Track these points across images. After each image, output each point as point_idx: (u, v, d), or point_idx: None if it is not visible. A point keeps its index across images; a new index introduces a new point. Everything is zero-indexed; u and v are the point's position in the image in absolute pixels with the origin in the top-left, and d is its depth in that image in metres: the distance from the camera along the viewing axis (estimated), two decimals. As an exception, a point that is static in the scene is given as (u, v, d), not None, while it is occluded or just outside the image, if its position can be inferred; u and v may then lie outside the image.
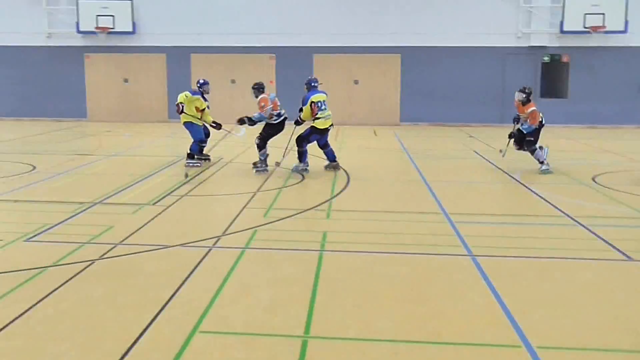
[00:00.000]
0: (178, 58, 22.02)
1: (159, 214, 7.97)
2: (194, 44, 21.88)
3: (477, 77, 21.20)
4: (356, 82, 21.67)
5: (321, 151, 11.70)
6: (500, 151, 12.22)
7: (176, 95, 20.46)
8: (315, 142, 11.41)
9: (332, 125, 11.61)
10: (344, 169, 11.46)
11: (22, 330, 4.37)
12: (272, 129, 11.55)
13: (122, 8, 21.48)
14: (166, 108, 22.16)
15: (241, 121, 11.66)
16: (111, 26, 21.49)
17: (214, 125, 12.22)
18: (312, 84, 11.41)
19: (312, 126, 11.29)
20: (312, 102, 11.12)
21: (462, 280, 5.52)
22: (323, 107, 11.29)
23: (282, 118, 11.53)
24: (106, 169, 11.69)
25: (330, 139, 16.08)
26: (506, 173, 11.34)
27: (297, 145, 11.26)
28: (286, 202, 8.84)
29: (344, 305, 4.88)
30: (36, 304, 4.83)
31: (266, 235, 7.01)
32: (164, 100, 22.13)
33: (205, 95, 12.10)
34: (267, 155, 11.49)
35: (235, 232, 7.07)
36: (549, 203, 8.77)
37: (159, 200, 8.74)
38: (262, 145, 11.46)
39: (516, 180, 10.70)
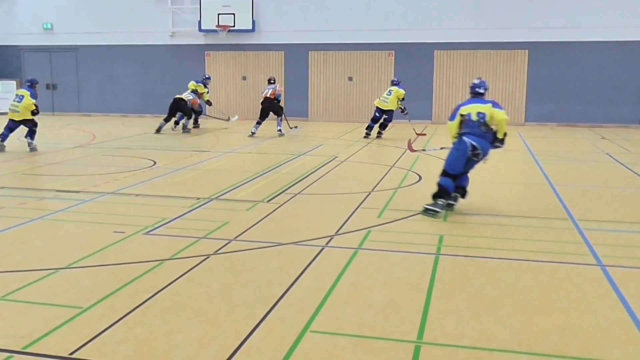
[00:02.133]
0: (296, 55, 22.37)
1: (273, 211, 8.10)
2: (312, 42, 22.15)
3: (612, 74, 20.17)
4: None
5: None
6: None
7: (294, 92, 20.93)
8: None
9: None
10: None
11: (140, 320, 4.56)
12: None
13: (242, 6, 22.07)
14: (284, 105, 22.54)
15: None
16: (232, 24, 22.13)
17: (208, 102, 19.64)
18: None
19: None
20: None
21: (590, 292, 5.26)
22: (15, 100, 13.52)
23: None
24: (222, 166, 12.04)
25: (450, 138, 15.89)
26: (641, 178, 10.79)
27: None
28: (402, 203, 8.77)
29: (460, 311, 4.77)
30: (154, 295, 5.02)
31: (380, 236, 6.97)
32: (282, 97, 22.53)
33: (207, 86, 19.42)
34: None
35: (348, 232, 7.08)
36: (689, 211, 8.26)
37: (273, 198, 8.90)
38: None
39: (652, 185, 10.15)
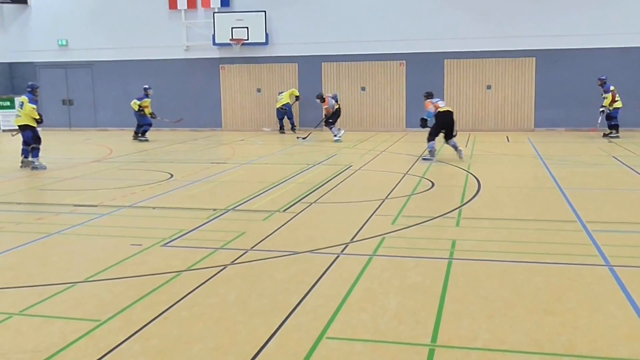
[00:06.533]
0: (309, 67, 22.44)
1: (289, 220, 8.14)
2: (325, 53, 22.22)
3: (617, 79, 20.02)
4: (488, 87, 21.19)
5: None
6: None
7: (308, 103, 20.89)
8: None
9: None
10: (475, 176, 11.23)
11: (158, 331, 4.60)
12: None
13: (256, 20, 22.17)
14: (298, 116, 22.61)
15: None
16: (245, 38, 22.24)
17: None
18: None
19: None
20: None
21: (598, 291, 5.27)
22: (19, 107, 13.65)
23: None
24: (239, 177, 12.10)
25: (461, 145, 15.96)
26: (651, 179, 10.73)
27: None
28: (415, 210, 8.79)
29: (473, 314, 4.79)
30: (171, 306, 5.07)
31: (394, 242, 7.00)
32: (295, 108, 22.58)
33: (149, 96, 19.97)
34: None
35: (363, 239, 7.11)
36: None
37: (288, 207, 8.94)
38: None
39: (663, 187, 10.10)
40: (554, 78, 20.58)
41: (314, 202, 9.40)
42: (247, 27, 22.22)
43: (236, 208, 9.00)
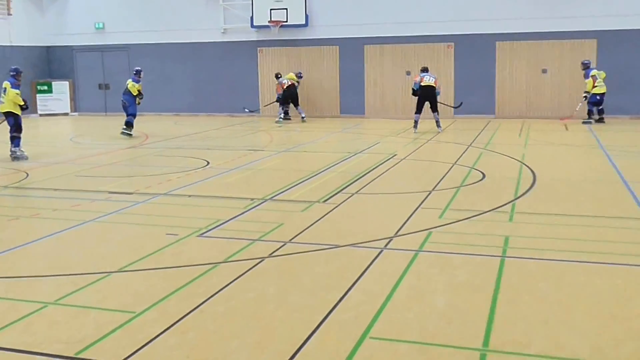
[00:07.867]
0: (351, 50, 22.27)
1: (329, 212, 8.09)
2: (368, 35, 22.03)
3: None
4: (544, 71, 20.74)
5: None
6: None
7: (349, 88, 20.76)
8: None
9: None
10: (529, 167, 11.03)
11: (194, 325, 4.61)
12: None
13: (295, 0, 22.10)
14: (338, 102, 22.51)
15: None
16: (284, 19, 22.18)
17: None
18: None
19: None
20: None
21: (669, 296, 5.11)
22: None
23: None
24: (277, 165, 12.10)
25: (515, 133, 15.68)
26: None
27: None
28: (464, 203, 8.65)
29: (528, 317, 4.67)
30: (208, 299, 5.07)
31: (442, 237, 6.89)
32: (336, 93, 22.47)
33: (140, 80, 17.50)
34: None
35: (408, 234, 7.03)
36: None
37: (329, 198, 8.88)
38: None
39: None
40: (617, 61, 19.85)
41: (356, 192, 9.34)
42: (286, 9, 22.15)
43: (274, 198, 8.99)
